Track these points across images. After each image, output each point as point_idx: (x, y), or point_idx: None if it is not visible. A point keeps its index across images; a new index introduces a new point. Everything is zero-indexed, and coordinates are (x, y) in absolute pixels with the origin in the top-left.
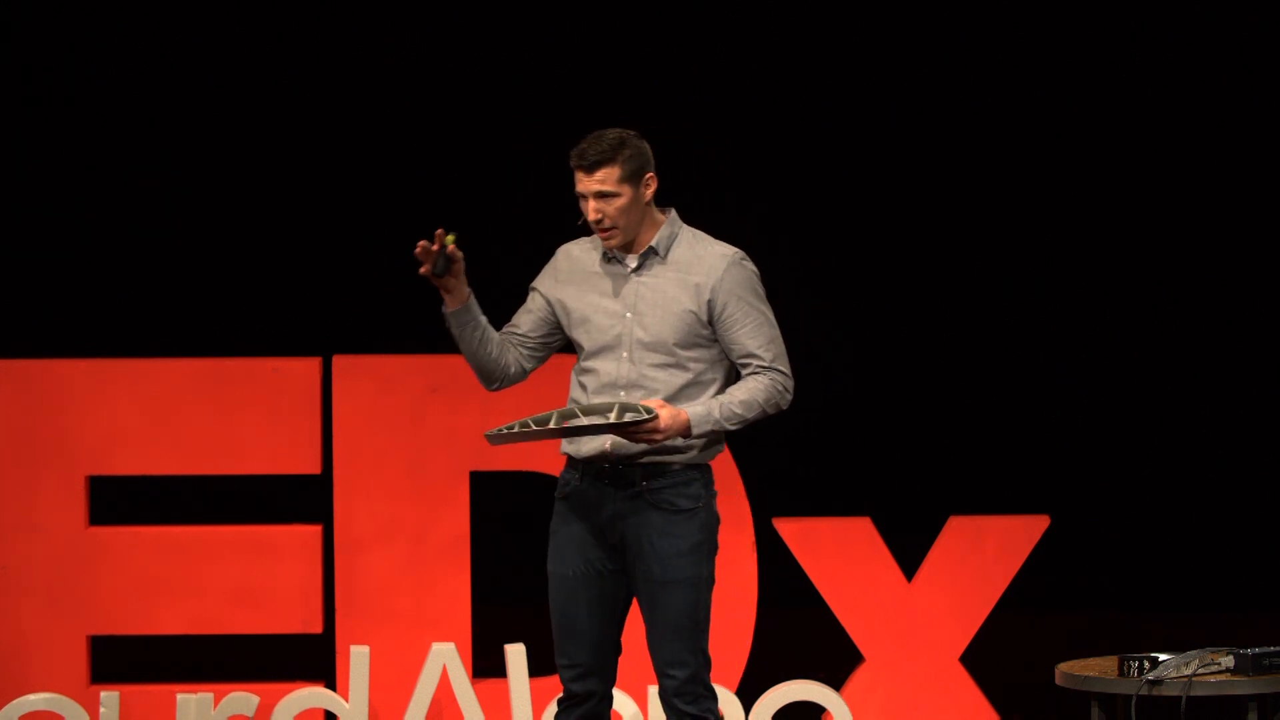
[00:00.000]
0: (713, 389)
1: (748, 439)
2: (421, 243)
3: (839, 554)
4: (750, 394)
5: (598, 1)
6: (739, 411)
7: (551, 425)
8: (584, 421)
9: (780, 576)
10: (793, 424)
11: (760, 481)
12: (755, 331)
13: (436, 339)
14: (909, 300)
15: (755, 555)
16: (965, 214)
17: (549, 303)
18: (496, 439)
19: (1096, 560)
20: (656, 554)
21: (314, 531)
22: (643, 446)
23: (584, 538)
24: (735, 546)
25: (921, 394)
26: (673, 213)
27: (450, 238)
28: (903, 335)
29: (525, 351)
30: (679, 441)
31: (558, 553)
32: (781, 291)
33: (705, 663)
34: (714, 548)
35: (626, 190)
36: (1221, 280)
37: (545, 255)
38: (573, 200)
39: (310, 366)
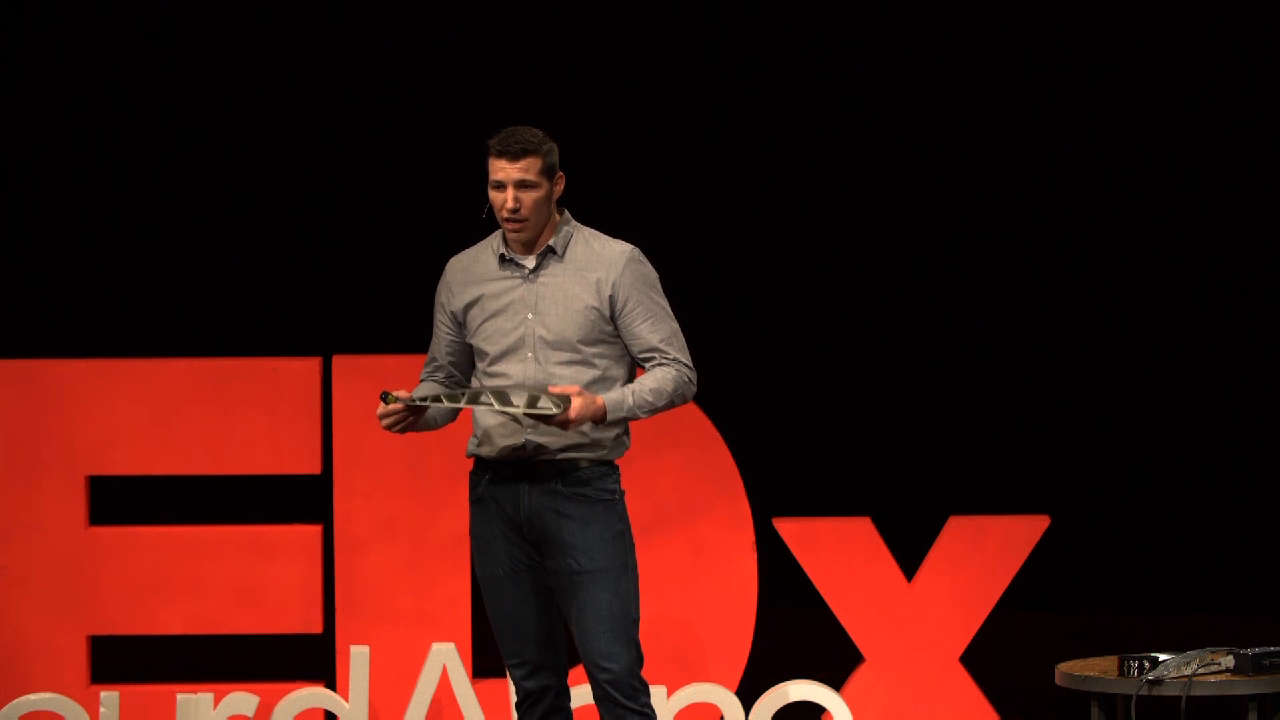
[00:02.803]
0: (619, 384)
1: (748, 439)
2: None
3: (839, 554)
4: (660, 383)
5: (598, 2)
6: (650, 400)
7: (462, 404)
8: (495, 404)
9: (780, 576)
10: (793, 424)
11: (760, 481)
12: (656, 326)
13: None
14: (909, 300)
15: (755, 555)
16: (965, 214)
17: (452, 318)
18: (398, 399)
19: (1096, 560)
20: (580, 544)
21: (314, 531)
22: (558, 443)
23: (505, 535)
24: (735, 546)
25: (921, 394)
26: (566, 213)
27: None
28: (902, 335)
29: (459, 380)
30: (586, 429)
31: (483, 554)
32: (782, 292)
33: (638, 656)
34: (633, 541)
35: (544, 184)
36: (1221, 280)
37: None
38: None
39: (310, 366)
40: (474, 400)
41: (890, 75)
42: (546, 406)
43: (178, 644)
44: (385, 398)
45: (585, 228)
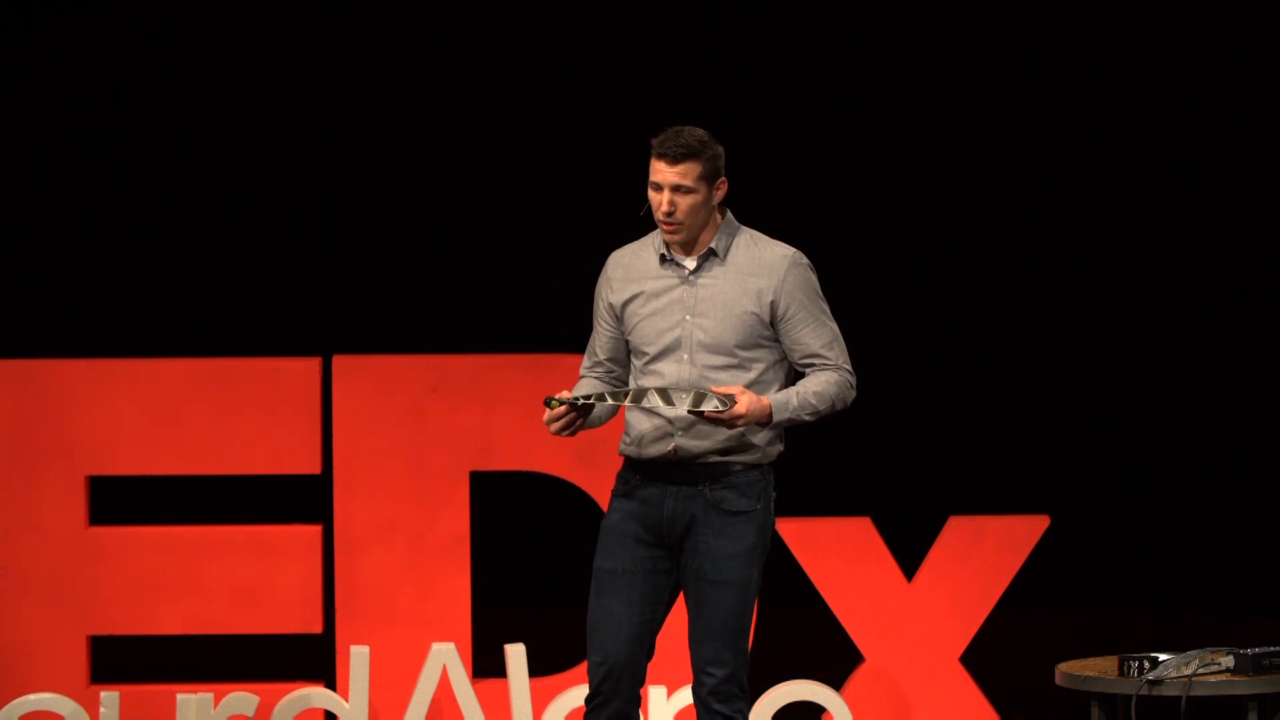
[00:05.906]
0: (774, 389)
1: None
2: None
3: (839, 554)
4: (823, 386)
5: (598, 2)
6: (813, 402)
7: (626, 402)
8: (660, 403)
9: (780, 576)
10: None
11: None
12: (818, 331)
13: (436, 339)
14: (909, 300)
15: None
16: (965, 214)
17: (611, 312)
18: (562, 402)
19: (1096, 560)
20: (710, 553)
21: (314, 531)
22: (707, 446)
23: (639, 535)
24: None
25: (921, 394)
26: (729, 214)
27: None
28: (902, 335)
29: (619, 376)
30: (754, 434)
31: (608, 549)
32: None
33: (744, 664)
34: (765, 551)
35: (702, 189)
36: (1221, 280)
37: (547, 256)
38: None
39: (310, 366)
40: (638, 399)
41: (890, 75)
42: (713, 405)
43: (178, 644)
44: (549, 403)
45: (748, 229)
